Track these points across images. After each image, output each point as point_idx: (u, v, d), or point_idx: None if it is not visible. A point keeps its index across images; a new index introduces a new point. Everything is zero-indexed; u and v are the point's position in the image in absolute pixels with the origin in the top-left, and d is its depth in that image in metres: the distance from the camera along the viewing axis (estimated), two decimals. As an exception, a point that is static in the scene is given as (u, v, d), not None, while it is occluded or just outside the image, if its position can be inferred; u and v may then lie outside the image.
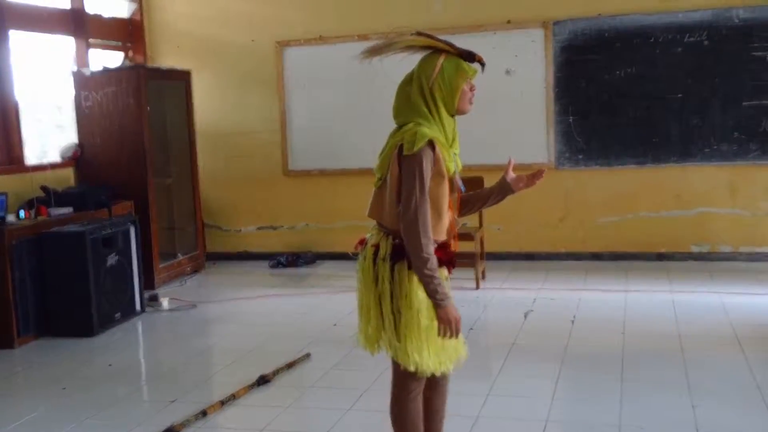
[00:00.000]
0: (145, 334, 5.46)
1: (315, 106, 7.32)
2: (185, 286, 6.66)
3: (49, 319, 5.26)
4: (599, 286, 5.93)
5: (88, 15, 6.83)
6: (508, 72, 6.70)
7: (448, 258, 2.59)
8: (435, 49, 2.52)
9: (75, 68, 6.66)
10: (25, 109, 6.18)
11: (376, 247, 2.55)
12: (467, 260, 5.78)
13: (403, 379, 2.60)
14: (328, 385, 4.13)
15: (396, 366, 2.60)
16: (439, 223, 2.51)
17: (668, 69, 6.46)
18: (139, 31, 7.53)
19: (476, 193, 2.75)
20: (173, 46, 7.59)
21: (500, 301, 5.67)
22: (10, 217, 5.31)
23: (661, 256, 6.69)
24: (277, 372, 4.22)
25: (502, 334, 4.81)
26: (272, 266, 7.24)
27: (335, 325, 5.21)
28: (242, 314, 5.72)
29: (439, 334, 2.46)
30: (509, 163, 2.68)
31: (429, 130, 2.45)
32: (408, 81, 2.54)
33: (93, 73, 6.51)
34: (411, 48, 2.53)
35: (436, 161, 2.45)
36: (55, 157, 6.50)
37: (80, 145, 6.55)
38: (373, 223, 2.63)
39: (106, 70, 6.52)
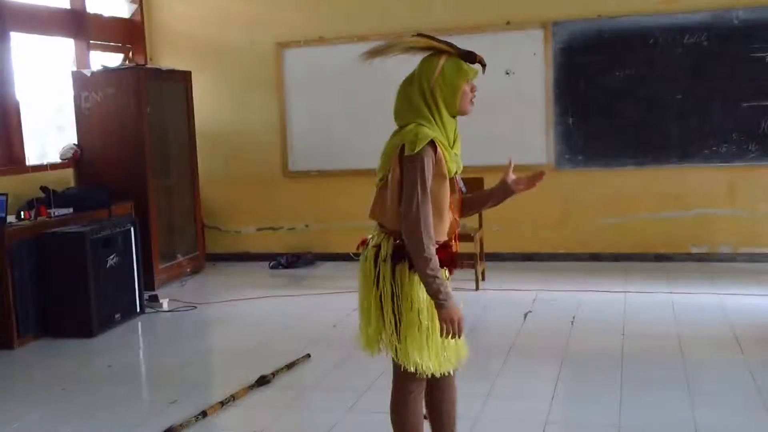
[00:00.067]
0: (145, 335, 5.46)
1: (315, 107, 7.33)
2: (185, 287, 6.66)
3: (48, 320, 5.26)
4: (599, 287, 5.94)
5: (88, 15, 6.83)
6: (507, 73, 6.71)
7: (450, 258, 2.60)
8: (436, 50, 2.52)
9: (75, 69, 6.67)
10: (26, 110, 6.18)
11: (378, 247, 2.56)
12: (467, 261, 5.79)
13: (403, 379, 2.60)
14: (327, 386, 4.13)
15: (396, 367, 2.60)
16: (440, 223, 2.52)
17: (668, 70, 6.46)
18: (139, 31, 7.54)
19: (476, 195, 2.76)
20: (173, 47, 7.59)
21: (500, 302, 5.68)
22: (10, 218, 5.31)
23: (660, 257, 6.70)
24: (276, 373, 4.22)
25: (502, 335, 4.82)
26: (272, 267, 7.25)
27: (335, 326, 5.22)
28: (242, 315, 5.72)
29: (441, 335, 2.46)
30: (509, 164, 2.68)
31: (430, 131, 2.45)
32: (409, 82, 2.55)
33: (93, 74, 6.51)
34: (412, 49, 2.53)
35: (437, 162, 2.46)
36: (55, 157, 6.51)
37: (80, 145, 6.55)
38: (373, 223, 2.63)
39: (106, 71, 6.52)
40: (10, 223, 5.22)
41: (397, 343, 2.53)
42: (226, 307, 5.96)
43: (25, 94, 6.22)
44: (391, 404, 2.66)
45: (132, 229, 5.73)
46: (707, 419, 3.43)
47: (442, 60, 2.50)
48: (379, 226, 2.60)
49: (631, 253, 6.74)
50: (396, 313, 2.52)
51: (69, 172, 6.52)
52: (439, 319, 2.45)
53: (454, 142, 2.54)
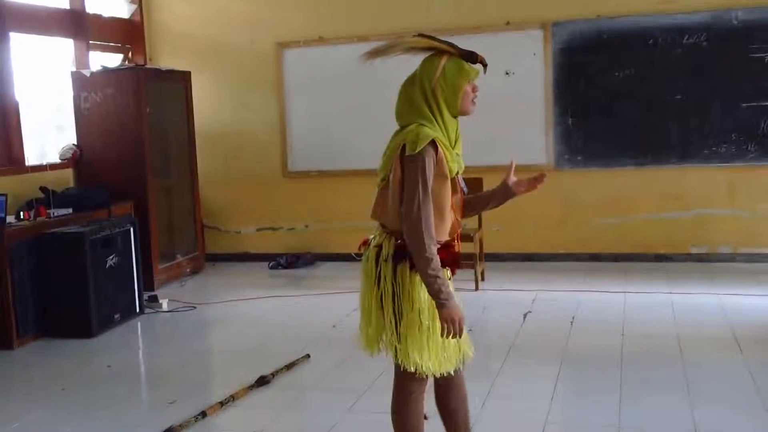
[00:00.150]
0: (145, 335, 5.46)
1: (314, 108, 7.33)
2: (184, 287, 6.66)
3: (48, 320, 5.26)
4: (598, 287, 5.94)
5: (87, 16, 6.83)
6: (507, 73, 6.71)
7: (452, 258, 2.60)
8: (437, 50, 2.52)
9: (74, 69, 6.67)
10: (25, 110, 6.18)
11: (379, 247, 2.56)
12: (466, 261, 5.79)
13: (403, 379, 2.60)
14: (327, 386, 4.13)
15: (397, 367, 2.60)
16: (442, 223, 2.52)
17: (667, 70, 6.46)
18: (138, 32, 7.54)
19: (477, 196, 2.76)
20: (173, 47, 7.59)
21: (499, 302, 5.68)
22: (10, 218, 5.31)
23: (660, 257, 6.70)
24: (276, 373, 4.22)
25: (502, 335, 4.82)
26: (271, 267, 7.24)
27: (335, 326, 5.22)
28: (241, 315, 5.72)
29: (442, 335, 2.46)
30: (511, 166, 2.68)
31: (431, 131, 2.46)
32: (410, 82, 2.55)
33: (92, 74, 6.51)
34: (413, 49, 2.53)
35: (438, 162, 2.46)
36: (54, 157, 6.51)
37: (79, 146, 6.55)
38: (374, 224, 2.63)
39: (105, 71, 6.52)
40: (10, 223, 5.22)
41: (397, 343, 2.53)
42: (226, 307, 5.96)
43: (25, 94, 6.22)
44: (392, 404, 2.66)
45: (131, 229, 5.73)
46: (707, 419, 3.43)
47: (444, 60, 2.50)
48: (380, 226, 2.60)
49: (631, 254, 6.74)
50: (396, 313, 2.52)
51: (68, 173, 6.52)
52: (440, 319, 2.45)
53: (455, 142, 2.55)
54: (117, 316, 5.48)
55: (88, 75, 6.51)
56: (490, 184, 5.97)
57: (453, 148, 2.53)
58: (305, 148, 7.39)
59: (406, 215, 2.44)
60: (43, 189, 5.79)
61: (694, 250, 6.65)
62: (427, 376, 2.58)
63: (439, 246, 2.51)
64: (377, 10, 7.05)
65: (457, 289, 2.59)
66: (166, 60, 7.53)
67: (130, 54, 7.51)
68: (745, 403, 3.61)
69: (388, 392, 2.69)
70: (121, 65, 6.91)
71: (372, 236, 2.63)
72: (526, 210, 6.61)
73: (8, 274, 5.00)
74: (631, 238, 6.74)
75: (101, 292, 5.31)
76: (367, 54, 2.54)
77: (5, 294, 5.01)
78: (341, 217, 7.26)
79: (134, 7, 7.50)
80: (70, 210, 5.71)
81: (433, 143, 2.44)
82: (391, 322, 2.53)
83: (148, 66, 6.99)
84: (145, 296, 5.91)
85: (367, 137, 6.96)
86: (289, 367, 4.35)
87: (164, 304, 5.93)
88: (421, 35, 2.53)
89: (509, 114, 6.73)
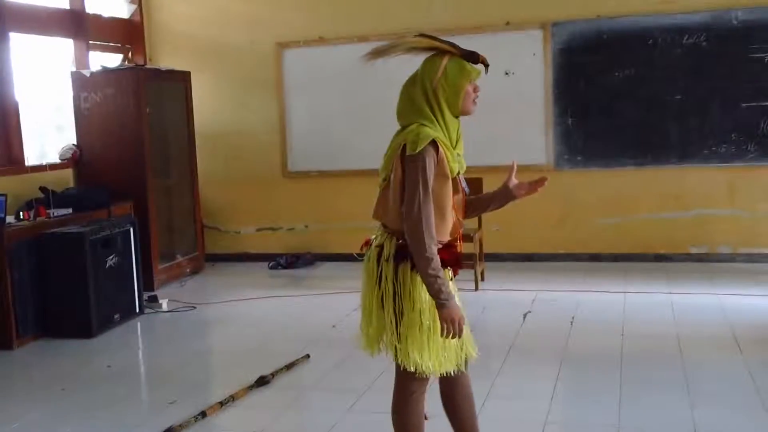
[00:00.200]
0: (144, 336, 5.46)
1: (314, 108, 7.33)
2: (184, 288, 6.66)
3: (48, 320, 5.26)
4: (598, 287, 5.94)
5: (87, 16, 6.83)
6: (507, 73, 6.71)
7: (455, 259, 2.60)
8: (438, 50, 2.53)
9: (74, 69, 6.67)
10: (25, 110, 6.18)
11: (381, 247, 2.56)
12: (466, 261, 5.78)
13: (404, 379, 2.61)
14: (327, 387, 4.13)
15: (398, 367, 2.60)
16: (443, 223, 2.52)
17: (667, 70, 6.46)
18: (138, 32, 7.54)
19: (478, 198, 2.77)
20: (173, 47, 7.59)
21: (499, 302, 5.68)
22: (10, 218, 5.31)
23: (659, 257, 6.70)
24: (276, 373, 4.22)
25: (501, 335, 4.82)
26: (271, 267, 7.25)
27: (334, 326, 5.22)
28: (241, 315, 5.72)
29: (442, 335, 2.46)
30: (512, 169, 2.69)
31: (432, 131, 2.46)
32: (411, 82, 2.55)
33: (92, 74, 6.51)
34: (414, 49, 2.53)
35: (439, 162, 2.46)
36: (54, 158, 6.51)
37: (79, 146, 6.55)
38: (374, 224, 2.63)
39: (105, 71, 6.52)
40: (10, 223, 5.22)
41: (397, 343, 2.53)
42: (226, 307, 5.96)
43: (25, 94, 6.22)
44: (393, 404, 2.66)
45: (131, 229, 5.73)
46: (706, 419, 3.43)
47: (445, 60, 2.50)
48: (382, 226, 2.60)
49: (631, 254, 6.74)
50: (397, 312, 2.53)
51: (68, 173, 6.52)
52: (440, 319, 2.45)
53: (456, 142, 2.55)
54: (117, 316, 5.48)
55: (87, 75, 6.51)
56: (489, 184, 5.96)
57: (454, 148, 2.53)
58: (305, 148, 7.39)
59: (406, 215, 2.44)
60: (42, 189, 5.80)
61: (693, 250, 6.65)
62: (427, 376, 2.58)
63: (440, 246, 2.52)
64: (377, 11, 7.05)
65: (458, 289, 2.59)
66: (165, 60, 7.53)
67: (129, 54, 7.51)
68: (745, 403, 3.62)
69: (387, 392, 2.69)
70: (120, 65, 6.91)
71: (374, 236, 2.63)
72: (525, 210, 6.58)
73: (8, 274, 5.01)
74: (630, 238, 6.74)
75: (101, 293, 5.31)
76: (368, 54, 2.55)
77: (5, 294, 5.01)
78: (341, 217, 7.26)
79: (134, 7, 7.50)
80: (70, 210, 5.71)
81: (434, 143, 2.44)
82: (391, 321, 2.54)
83: (147, 66, 7.00)
84: (145, 296, 5.91)
85: (367, 137, 6.97)
86: (289, 367, 4.35)
87: (164, 304, 5.94)
88: (422, 35, 2.53)
89: (509, 114, 6.73)
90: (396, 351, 2.55)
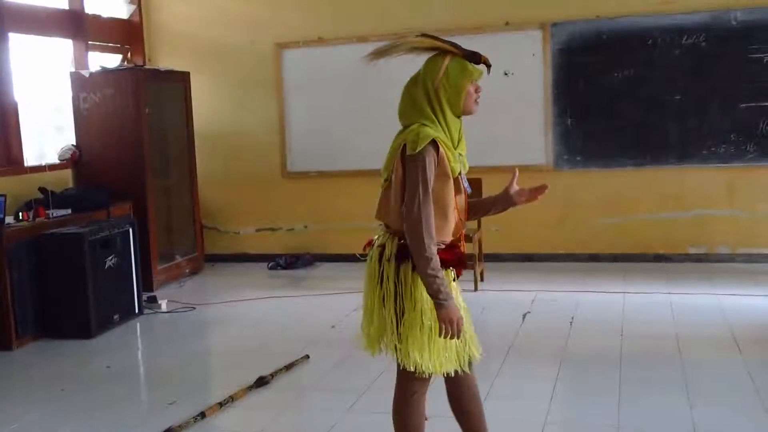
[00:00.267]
0: (144, 336, 5.46)
1: (314, 108, 7.32)
2: (184, 288, 6.66)
3: (47, 321, 5.26)
4: (597, 288, 5.94)
5: (86, 16, 6.83)
6: (506, 74, 6.71)
7: (458, 259, 2.60)
8: (440, 50, 2.53)
9: (73, 69, 6.67)
10: (24, 111, 6.18)
11: (382, 247, 2.56)
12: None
13: (406, 380, 2.61)
14: (326, 387, 4.13)
15: (399, 367, 2.60)
16: (445, 224, 2.52)
17: (666, 71, 6.47)
18: (137, 32, 7.53)
19: (480, 201, 2.78)
20: (172, 48, 7.59)
21: (499, 303, 5.68)
22: (9, 219, 5.30)
23: (659, 258, 6.70)
24: (275, 373, 4.22)
25: (501, 336, 4.81)
26: (271, 268, 7.24)
27: (334, 326, 5.22)
28: (241, 316, 5.72)
29: (439, 335, 2.46)
30: (514, 175, 2.69)
31: (432, 131, 2.46)
32: (413, 82, 2.55)
33: (91, 75, 6.51)
34: (416, 49, 2.53)
35: (440, 161, 2.46)
36: (53, 158, 6.50)
37: (79, 146, 6.54)
38: (374, 224, 2.64)
39: (104, 72, 6.52)
40: (9, 224, 5.22)
41: (397, 343, 2.53)
42: (225, 308, 5.96)
43: (24, 94, 6.22)
44: (394, 404, 2.66)
45: (131, 230, 5.73)
46: (706, 419, 3.43)
47: (447, 60, 2.50)
48: (384, 226, 2.61)
49: (630, 254, 6.74)
50: (398, 312, 2.53)
51: (67, 173, 6.52)
52: (438, 319, 2.45)
53: (459, 142, 2.55)
54: (116, 316, 5.48)
55: (87, 75, 6.51)
56: (488, 184, 5.98)
57: (456, 148, 2.53)
58: (304, 148, 7.39)
59: (406, 215, 2.44)
60: (42, 189, 5.79)
61: (692, 251, 6.65)
62: (429, 376, 2.58)
63: (444, 246, 2.52)
64: (377, 11, 7.05)
65: (461, 290, 2.59)
66: (165, 60, 7.53)
67: (129, 54, 7.51)
68: (744, 403, 3.62)
69: (387, 393, 2.69)
70: (120, 66, 6.91)
71: (376, 237, 2.64)
72: (525, 210, 6.51)
73: (7, 274, 5.00)
74: (630, 239, 6.74)
75: (100, 293, 5.31)
76: (370, 54, 2.55)
77: (4, 295, 5.00)
78: (340, 217, 7.26)
79: (133, 7, 7.50)
80: (69, 211, 5.71)
81: (434, 143, 2.44)
82: (392, 321, 2.54)
83: (147, 66, 7.00)
84: (144, 297, 5.91)
85: (366, 138, 6.97)
86: (289, 367, 4.35)
87: (163, 304, 5.93)
88: (424, 35, 2.53)
89: (508, 114, 6.73)
90: (396, 351, 2.55)
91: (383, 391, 3.79)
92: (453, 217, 2.55)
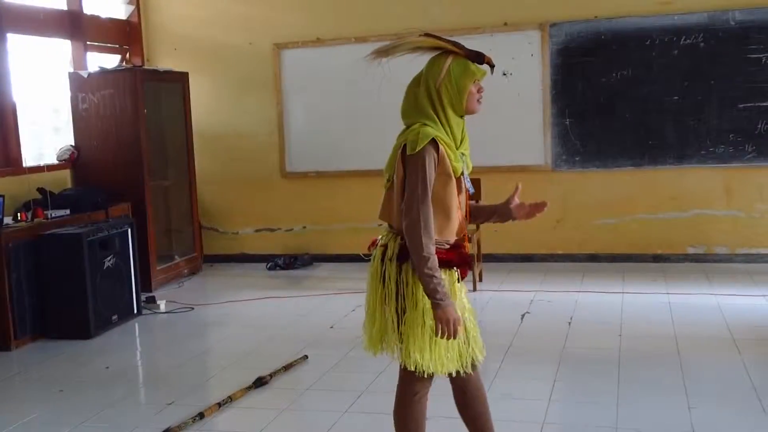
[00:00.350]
0: (142, 337, 5.46)
1: (312, 108, 7.33)
2: (182, 288, 6.66)
3: (45, 321, 5.25)
4: (596, 288, 5.94)
5: (85, 17, 6.83)
6: (504, 74, 6.71)
7: (462, 260, 2.60)
8: (443, 50, 2.53)
9: (72, 70, 6.66)
10: (23, 111, 6.17)
11: (385, 247, 2.57)
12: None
13: (408, 380, 2.61)
14: (325, 387, 4.13)
15: (402, 367, 2.60)
16: (448, 223, 2.52)
17: (664, 71, 6.47)
18: (136, 33, 7.53)
19: (480, 207, 2.79)
20: (170, 48, 7.59)
21: (497, 303, 5.68)
22: (7, 219, 5.30)
23: (657, 258, 6.71)
24: (274, 374, 4.22)
25: (499, 336, 4.81)
26: (269, 268, 7.24)
27: (332, 327, 5.22)
28: (239, 316, 5.72)
29: (436, 335, 2.46)
30: (516, 189, 2.69)
31: (433, 130, 2.46)
32: (416, 82, 2.55)
33: (90, 75, 6.51)
34: (419, 49, 2.53)
35: (440, 161, 2.46)
36: (52, 159, 6.50)
37: (77, 147, 6.54)
38: (372, 224, 2.64)
39: (103, 72, 6.52)
40: (7, 224, 5.22)
41: (398, 343, 2.54)
42: (224, 308, 5.95)
43: (22, 95, 6.22)
44: (396, 404, 2.67)
45: (129, 230, 5.73)
46: (704, 420, 3.43)
47: (449, 60, 2.50)
48: (388, 226, 2.61)
49: (629, 254, 6.75)
50: (399, 312, 2.53)
51: (66, 174, 6.52)
52: (434, 319, 2.45)
53: (461, 141, 2.55)
54: (115, 317, 5.47)
55: (85, 76, 6.50)
56: (487, 184, 5.98)
57: (458, 148, 2.53)
58: (303, 149, 7.39)
59: (405, 214, 2.45)
60: (40, 190, 5.79)
61: (691, 251, 6.66)
62: (431, 376, 2.58)
63: (448, 246, 2.53)
64: (375, 11, 7.05)
65: (467, 291, 2.59)
66: (163, 61, 7.53)
67: (127, 55, 7.51)
68: (743, 404, 3.62)
69: (385, 393, 2.69)
70: (118, 66, 6.91)
71: (380, 236, 2.64)
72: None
73: (6, 275, 5.00)
74: (628, 239, 6.75)
75: (99, 293, 5.31)
76: (373, 53, 2.55)
77: (3, 295, 5.00)
78: (339, 218, 7.26)
79: (132, 8, 7.50)
80: (68, 211, 5.71)
81: (434, 142, 2.45)
82: (393, 320, 2.54)
83: (145, 67, 6.99)
84: (143, 297, 5.92)
85: (365, 138, 6.98)
86: (287, 368, 4.35)
87: (162, 305, 5.93)
88: (427, 34, 2.53)
89: (507, 115, 6.73)
90: (398, 350, 2.55)
91: (382, 392, 3.80)
92: (457, 217, 2.55)
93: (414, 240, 2.42)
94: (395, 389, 2.69)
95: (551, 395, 3.84)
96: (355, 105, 7.10)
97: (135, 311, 5.72)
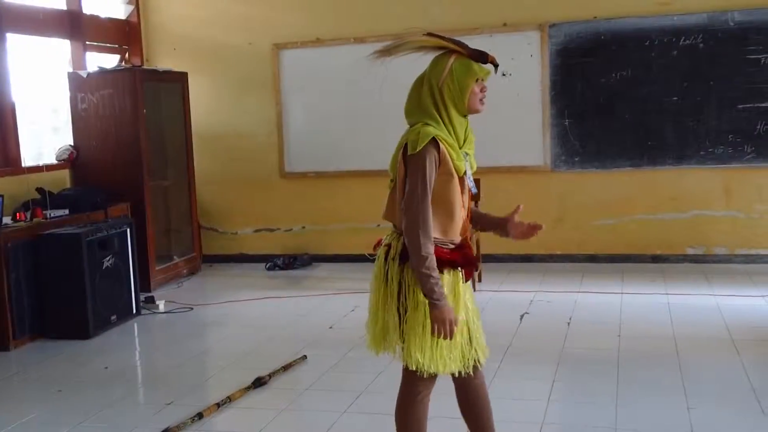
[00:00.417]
0: (141, 337, 5.45)
1: (312, 109, 7.32)
2: (181, 289, 6.66)
3: (44, 321, 5.25)
4: (595, 288, 5.94)
5: (84, 17, 6.83)
6: (504, 74, 6.71)
7: (467, 260, 2.60)
8: (446, 49, 2.52)
9: (71, 70, 6.66)
10: (22, 111, 6.17)
11: (389, 247, 2.57)
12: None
13: (410, 379, 2.61)
14: (324, 388, 4.13)
15: (404, 366, 2.60)
16: (451, 223, 2.53)
17: (664, 72, 6.47)
18: (135, 33, 7.53)
19: (480, 215, 2.80)
20: (170, 48, 7.59)
21: (496, 303, 5.67)
22: (6, 219, 5.30)
23: (656, 258, 6.71)
24: (273, 374, 4.22)
25: (499, 337, 4.80)
26: (268, 268, 7.24)
27: (331, 327, 5.22)
28: (238, 316, 5.72)
29: (432, 334, 2.46)
30: (517, 208, 2.70)
31: (434, 130, 2.46)
32: (420, 82, 2.56)
33: (89, 75, 6.51)
34: (422, 48, 2.53)
35: (442, 160, 2.46)
36: (51, 158, 6.50)
37: (76, 147, 6.54)
38: (371, 224, 2.65)
39: (102, 72, 6.52)
40: (6, 224, 5.22)
41: (401, 342, 2.54)
42: (223, 308, 5.95)
43: (21, 95, 6.21)
44: (398, 404, 2.67)
45: (128, 230, 5.72)
46: (703, 420, 3.43)
47: (452, 60, 2.50)
48: (393, 226, 2.62)
49: (628, 255, 6.75)
50: (401, 311, 2.53)
51: (65, 174, 6.52)
52: (431, 318, 2.45)
53: (465, 141, 2.55)
54: (114, 317, 5.47)
55: (84, 76, 6.50)
56: (486, 185, 5.98)
57: (462, 147, 2.53)
58: (302, 149, 7.39)
59: (405, 213, 2.45)
60: (39, 190, 5.79)
61: (690, 251, 6.66)
62: (433, 376, 2.58)
63: (453, 246, 2.53)
64: (374, 12, 7.05)
65: (473, 291, 2.58)
66: (163, 61, 7.53)
67: (127, 55, 7.51)
68: (742, 404, 3.62)
69: (385, 393, 2.69)
70: (117, 66, 6.90)
71: (385, 236, 2.64)
72: (523, 211, 6.59)
73: (5, 275, 5.00)
74: (627, 239, 6.75)
75: (98, 294, 5.30)
76: (376, 52, 2.55)
77: (2, 295, 5.00)
78: (338, 218, 7.26)
79: (131, 8, 7.50)
80: (67, 211, 5.71)
81: (435, 141, 2.44)
82: (395, 320, 2.54)
83: (145, 67, 6.99)
84: (142, 297, 5.91)
85: (364, 138, 6.97)
86: (286, 368, 4.35)
87: (161, 305, 5.93)
88: (430, 34, 2.53)
89: (506, 115, 6.72)
90: (399, 349, 2.55)
91: (381, 392, 3.80)
92: (460, 216, 2.55)
93: (412, 239, 2.43)
94: (395, 389, 2.69)
95: (550, 395, 3.84)
96: (354, 105, 7.09)
97: (134, 311, 5.72)
